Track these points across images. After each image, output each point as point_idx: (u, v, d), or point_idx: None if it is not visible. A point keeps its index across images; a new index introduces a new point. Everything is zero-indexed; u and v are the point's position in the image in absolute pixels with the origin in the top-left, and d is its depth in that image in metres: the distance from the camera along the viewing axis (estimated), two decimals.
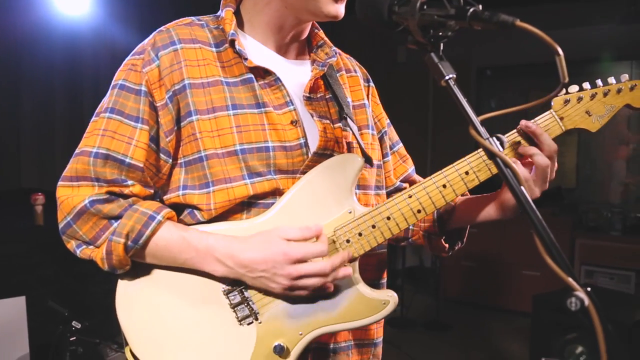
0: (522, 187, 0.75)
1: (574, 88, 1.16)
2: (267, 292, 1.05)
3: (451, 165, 1.11)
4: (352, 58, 1.32)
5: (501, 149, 0.84)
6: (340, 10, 1.07)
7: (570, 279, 0.68)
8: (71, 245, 1.08)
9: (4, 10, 3.96)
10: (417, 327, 4.76)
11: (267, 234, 1.02)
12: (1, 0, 3.94)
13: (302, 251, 1.00)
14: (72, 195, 1.05)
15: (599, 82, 1.18)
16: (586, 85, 1.17)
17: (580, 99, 1.15)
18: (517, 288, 5.02)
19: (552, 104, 1.15)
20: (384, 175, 1.30)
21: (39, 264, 2.77)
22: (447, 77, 0.80)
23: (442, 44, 0.82)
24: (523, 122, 1.10)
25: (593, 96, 1.16)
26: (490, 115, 0.80)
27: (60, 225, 1.08)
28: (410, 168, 1.37)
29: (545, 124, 1.13)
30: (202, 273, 1.06)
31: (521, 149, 1.10)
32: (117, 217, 1.05)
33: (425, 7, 0.80)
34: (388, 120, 1.35)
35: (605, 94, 1.16)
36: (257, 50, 1.14)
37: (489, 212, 1.17)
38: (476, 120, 0.78)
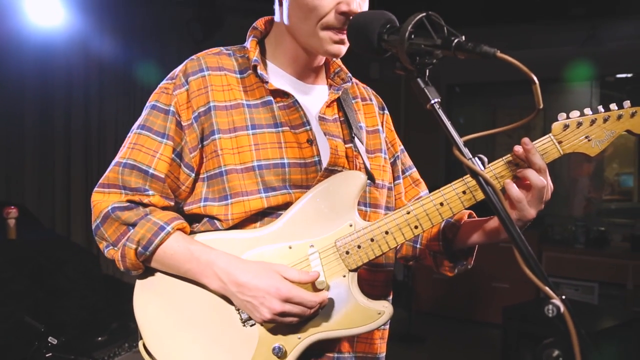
0: (503, 203, 0.81)
1: (574, 113, 1.18)
2: None
3: (449, 185, 1.15)
4: (368, 88, 1.42)
5: (483, 168, 0.90)
6: (341, 49, 1.16)
7: (547, 288, 0.75)
8: (102, 245, 1.20)
9: None
10: (390, 339, 4.81)
11: (268, 266, 1.10)
12: None
13: (293, 292, 1.06)
14: (101, 201, 1.18)
15: (600, 108, 1.19)
16: (587, 110, 1.19)
17: (579, 124, 1.17)
18: (487, 300, 5.14)
19: (552, 128, 1.17)
20: (394, 197, 1.37)
21: (11, 279, 2.71)
22: (432, 101, 0.86)
23: (427, 70, 0.88)
24: (523, 140, 1.12)
25: (593, 122, 1.17)
26: (472, 136, 0.86)
27: (93, 227, 1.19)
28: (422, 192, 1.43)
29: (543, 147, 1.15)
30: None
31: (519, 171, 1.13)
32: (134, 225, 1.14)
33: (413, 36, 0.86)
34: (402, 147, 1.44)
35: (605, 120, 1.18)
36: (278, 75, 1.24)
37: (489, 233, 1.22)
38: (460, 141, 0.84)
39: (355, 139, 1.24)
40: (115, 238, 1.16)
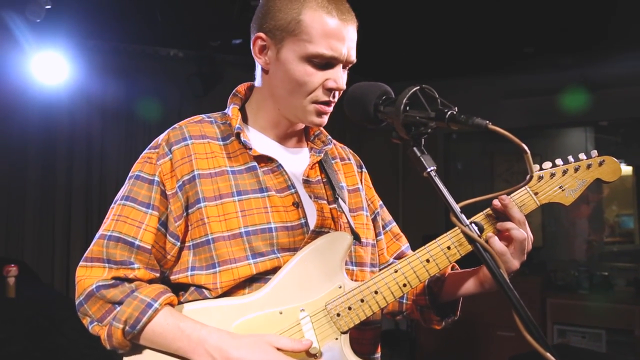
0: (501, 268, 0.83)
1: (547, 165, 1.23)
2: None
3: (434, 241, 1.17)
4: (346, 147, 1.47)
5: (479, 233, 0.92)
6: (324, 121, 1.23)
7: (548, 354, 0.75)
8: (85, 321, 1.17)
9: None
10: None
11: (259, 338, 1.08)
12: None
13: None
14: (85, 277, 1.16)
15: (570, 158, 1.24)
16: (559, 161, 1.24)
17: (552, 175, 1.22)
18: (492, 349, 5.03)
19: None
20: (377, 253, 1.39)
21: (8, 340, 2.67)
22: (429, 169, 0.90)
23: (423, 139, 0.92)
24: (501, 197, 1.14)
25: (565, 172, 1.23)
26: (469, 202, 0.89)
27: (76, 303, 1.17)
28: (403, 246, 1.46)
29: (521, 200, 1.19)
30: None
31: (499, 224, 1.16)
32: (120, 303, 1.12)
33: (408, 108, 0.90)
34: (380, 202, 1.47)
35: (576, 170, 1.23)
36: (260, 140, 1.27)
37: (473, 285, 1.25)
38: (456, 207, 0.87)
39: (339, 199, 1.27)
40: (100, 315, 1.14)
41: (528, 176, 0.84)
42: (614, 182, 1.25)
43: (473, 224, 0.87)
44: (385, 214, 1.47)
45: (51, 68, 4.02)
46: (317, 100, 1.19)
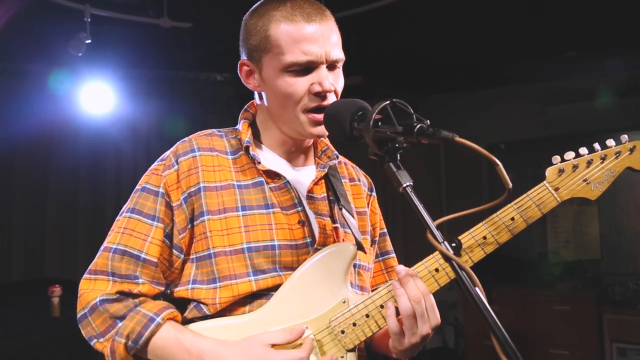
0: (478, 286, 0.79)
1: (569, 155, 1.11)
2: None
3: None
4: (357, 167, 1.42)
5: (458, 251, 0.88)
6: (322, 130, 1.18)
7: None
8: (87, 333, 1.16)
9: (38, 110, 4.33)
10: None
11: (252, 340, 1.09)
12: (36, 101, 4.30)
13: (281, 357, 1.06)
14: (88, 290, 1.16)
15: (596, 145, 1.12)
16: (583, 150, 1.12)
17: (575, 167, 1.10)
18: None
19: (546, 174, 1.11)
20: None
21: (51, 357, 2.79)
22: (404, 185, 0.87)
23: (399, 155, 0.90)
24: (398, 271, 1.09)
25: (589, 163, 1.10)
26: (446, 218, 0.86)
27: (78, 315, 1.17)
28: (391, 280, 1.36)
29: (539, 197, 1.09)
30: None
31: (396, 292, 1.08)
32: (122, 317, 1.13)
33: (379, 123, 0.89)
34: (384, 231, 1.41)
35: (602, 159, 1.10)
36: (269, 156, 1.26)
37: (386, 342, 1.16)
38: (432, 224, 0.84)
39: (345, 211, 1.23)
40: (103, 329, 1.14)
41: (506, 192, 0.80)
42: None
43: (448, 242, 0.84)
44: (386, 244, 1.41)
45: (98, 98, 4.24)
46: (307, 109, 1.16)
